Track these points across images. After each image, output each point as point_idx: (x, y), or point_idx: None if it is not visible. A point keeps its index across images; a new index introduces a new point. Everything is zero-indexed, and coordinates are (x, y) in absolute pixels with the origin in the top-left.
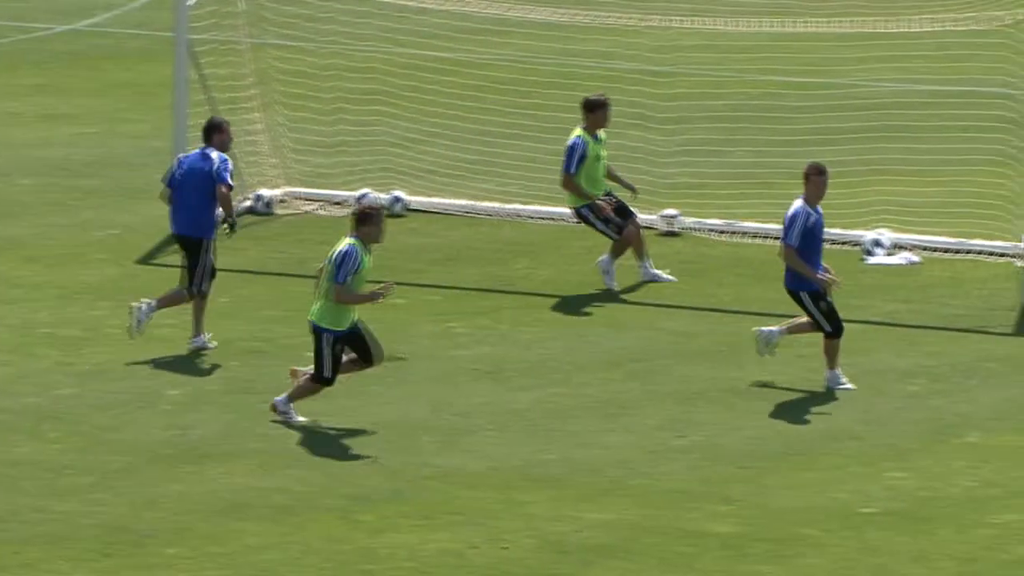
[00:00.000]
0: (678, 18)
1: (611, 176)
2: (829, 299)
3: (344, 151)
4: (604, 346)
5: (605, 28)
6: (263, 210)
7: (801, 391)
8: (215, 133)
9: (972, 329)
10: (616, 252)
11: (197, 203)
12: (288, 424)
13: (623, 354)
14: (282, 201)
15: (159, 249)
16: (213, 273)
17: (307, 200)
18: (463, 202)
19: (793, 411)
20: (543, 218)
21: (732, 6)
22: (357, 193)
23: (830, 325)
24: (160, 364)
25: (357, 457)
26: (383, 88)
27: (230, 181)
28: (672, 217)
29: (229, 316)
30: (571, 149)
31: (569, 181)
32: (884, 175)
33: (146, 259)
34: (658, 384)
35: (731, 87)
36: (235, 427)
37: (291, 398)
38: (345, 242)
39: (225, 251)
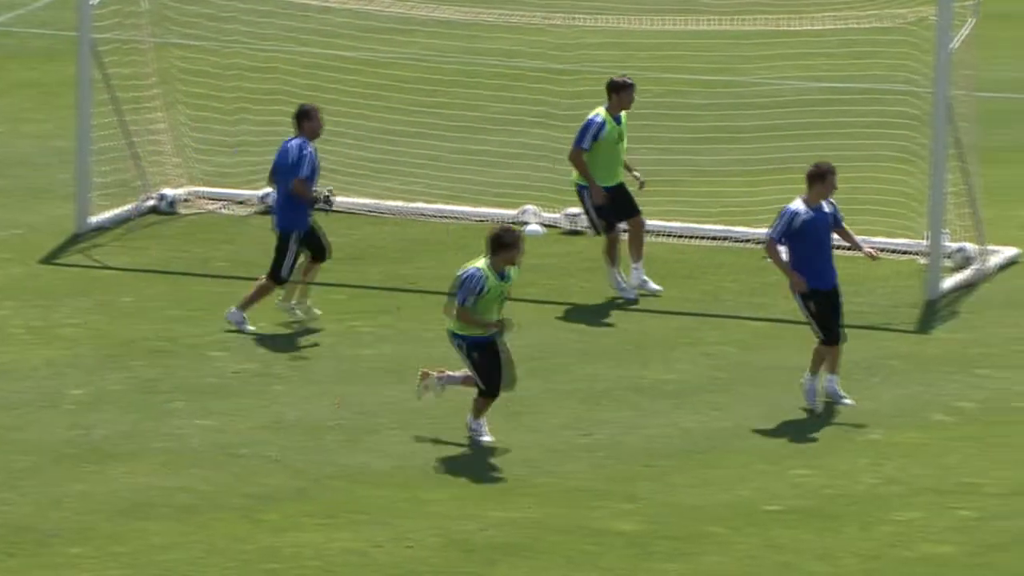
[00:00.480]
0: (582, 16)
1: (624, 165)
2: (837, 302)
3: (245, 150)
4: (507, 344)
5: (509, 26)
6: (166, 209)
7: (706, 389)
8: (304, 120)
9: (875, 326)
10: (611, 257)
11: (281, 195)
12: (476, 440)
13: (526, 352)
14: (186, 200)
15: (62, 249)
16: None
17: (210, 199)
18: (367, 201)
19: (698, 409)
20: (447, 217)
21: (636, 4)
22: (261, 192)
23: (821, 331)
24: (63, 364)
25: (261, 456)
26: (286, 88)
27: (303, 172)
28: (575, 216)
29: (133, 315)
30: (587, 125)
31: (577, 156)
32: (788, 173)
33: (49, 259)
34: (562, 383)
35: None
36: (139, 427)
37: (476, 415)
38: (474, 264)
39: (128, 251)
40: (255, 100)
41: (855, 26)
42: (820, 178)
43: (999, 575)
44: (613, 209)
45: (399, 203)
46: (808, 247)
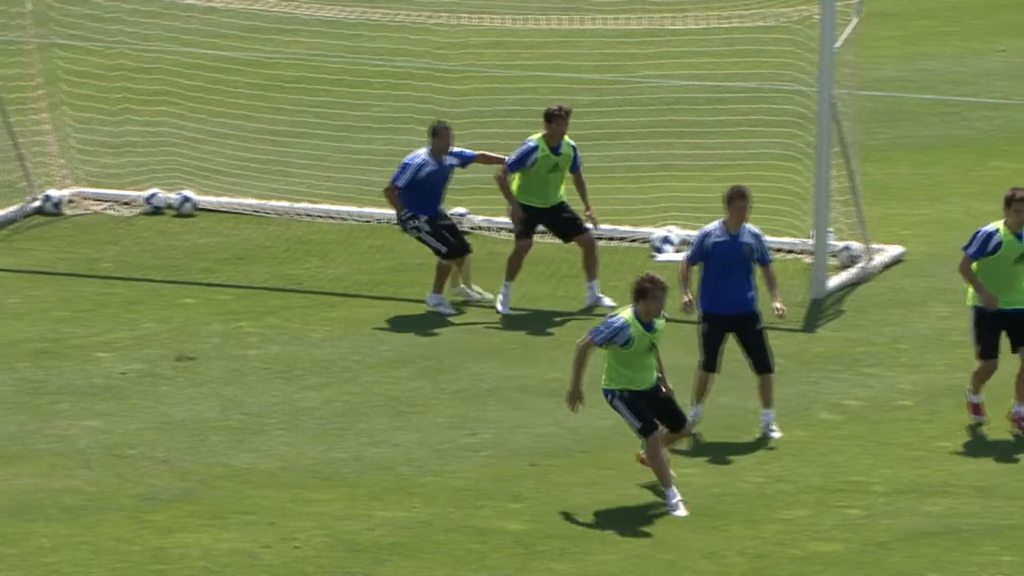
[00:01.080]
0: (467, 15)
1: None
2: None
3: (132, 151)
4: (393, 344)
5: (394, 25)
6: (52, 210)
7: (592, 389)
8: (433, 138)
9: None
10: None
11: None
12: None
13: (413, 352)
14: (71, 201)
15: None
16: (447, 241)
17: (96, 200)
18: (252, 201)
19: (583, 409)
20: (332, 217)
21: (521, 3)
22: (147, 193)
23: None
24: None
25: (148, 457)
26: (170, 88)
27: (397, 183)
28: (462, 216)
29: (18, 317)
30: (521, 148)
31: (503, 175)
32: (673, 172)
33: None
34: (448, 382)
35: (520, 84)
36: (25, 428)
37: (665, 485)
38: (622, 313)
39: (14, 252)
40: (140, 101)
41: (739, 25)
42: (727, 201)
43: (885, 573)
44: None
45: (284, 203)
46: (714, 268)
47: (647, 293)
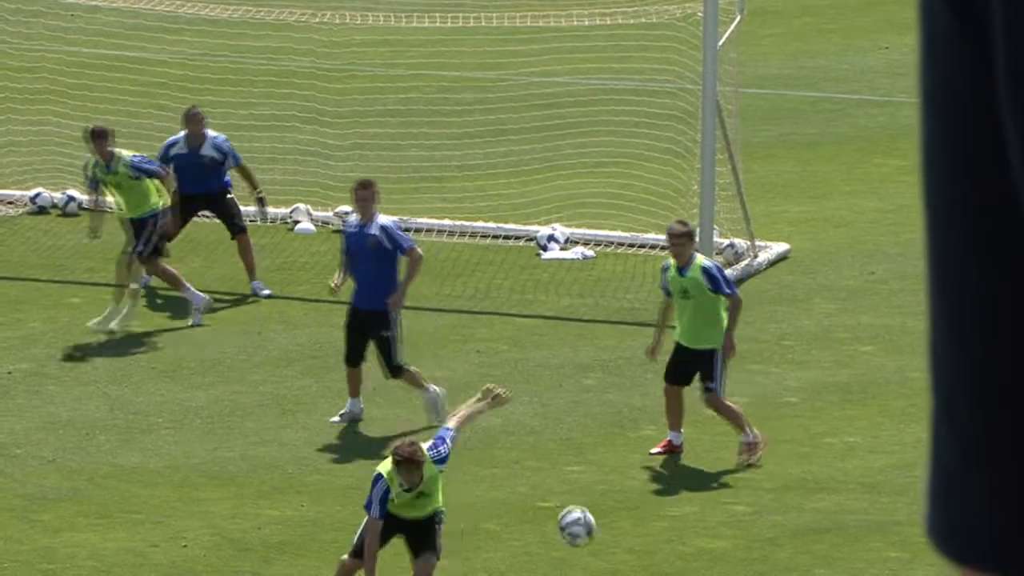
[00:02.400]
0: (350, 13)
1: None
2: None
3: (15, 151)
4: (279, 343)
5: (278, 24)
6: None
7: (477, 386)
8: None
9: (646, 323)
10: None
11: None
12: None
13: (298, 351)
14: None
15: None
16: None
17: None
18: None
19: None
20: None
21: (405, 1)
22: (31, 192)
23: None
24: None
25: (35, 456)
26: (54, 87)
27: None
28: (346, 214)
29: None
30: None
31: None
32: (558, 170)
33: None
34: (335, 381)
35: (404, 83)
36: None
37: None
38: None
39: None
40: (23, 100)
41: (623, 22)
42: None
43: (773, 569)
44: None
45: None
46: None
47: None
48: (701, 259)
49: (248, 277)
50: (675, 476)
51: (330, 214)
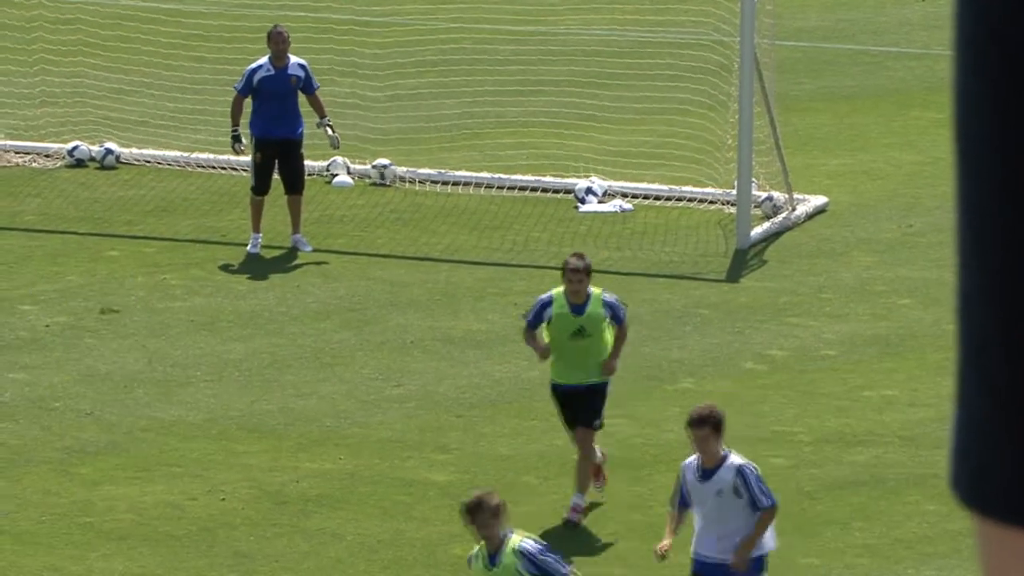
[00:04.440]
0: None
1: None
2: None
3: (52, 103)
4: (317, 296)
5: None
6: None
7: (516, 339)
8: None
9: (684, 276)
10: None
11: None
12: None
13: (337, 304)
14: None
15: None
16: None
17: (17, 153)
18: (175, 153)
19: (507, 359)
20: None
21: None
22: (69, 145)
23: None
24: None
25: (74, 410)
26: (89, 39)
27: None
28: (384, 167)
29: None
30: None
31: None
32: (596, 123)
33: None
34: (373, 333)
35: (443, 35)
36: None
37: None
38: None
39: None
40: (59, 52)
41: None
42: None
43: (811, 522)
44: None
45: (208, 155)
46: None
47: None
48: (599, 291)
49: (291, 230)
50: None
51: (368, 167)
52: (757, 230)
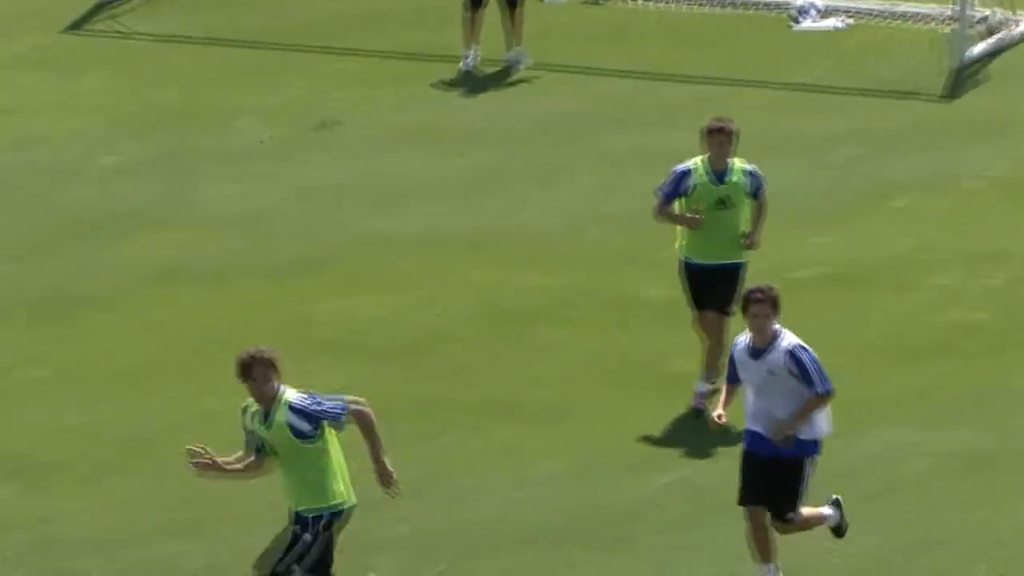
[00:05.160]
0: None
1: None
2: None
3: None
4: (533, 112)
5: None
6: None
7: None
8: None
9: (902, 93)
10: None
11: None
12: None
13: (552, 120)
14: None
15: (86, 18)
16: None
17: None
18: None
19: None
20: None
21: None
22: None
23: None
24: (91, 133)
25: (289, 223)
26: None
27: None
28: None
29: (159, 84)
30: None
31: None
32: None
33: (74, 27)
34: (588, 150)
35: None
36: (168, 194)
37: None
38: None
39: (152, 19)
40: None
41: None
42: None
43: None
44: None
45: None
46: None
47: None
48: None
49: (506, 47)
50: (930, 247)
51: None
52: (976, 49)
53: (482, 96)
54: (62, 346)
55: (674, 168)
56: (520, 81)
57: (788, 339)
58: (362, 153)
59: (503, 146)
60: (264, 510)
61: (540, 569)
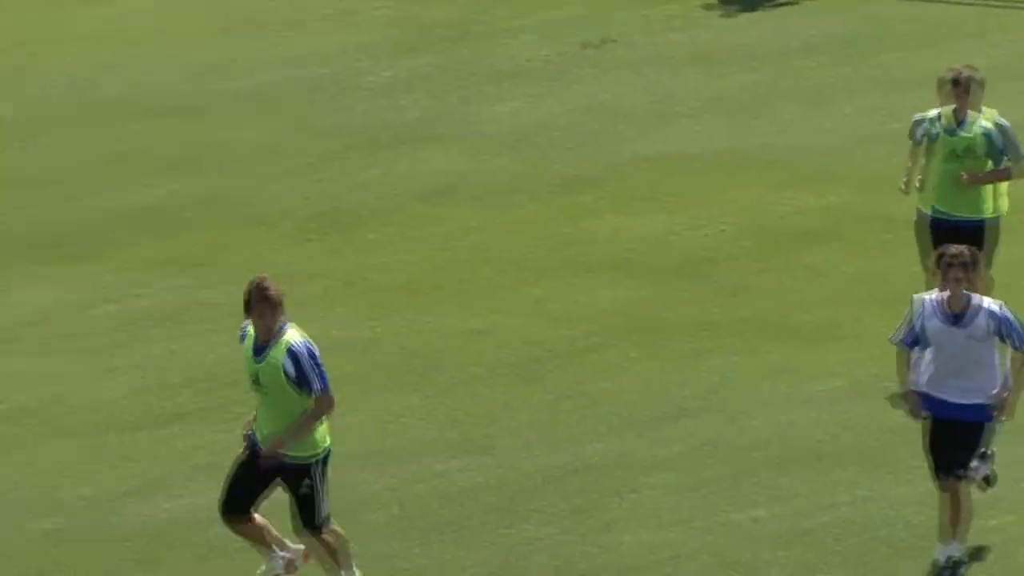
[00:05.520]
0: None
1: None
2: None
3: None
4: (806, 33)
5: None
6: None
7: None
8: None
9: None
10: None
11: None
12: None
13: (824, 41)
14: None
15: None
16: None
17: None
18: None
19: None
20: None
21: None
22: None
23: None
24: (366, 48)
25: (564, 142)
26: None
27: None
28: None
29: (428, 2)
30: None
31: None
32: None
33: None
34: (861, 70)
35: None
36: (440, 111)
37: None
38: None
39: None
40: None
41: None
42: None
43: None
44: None
45: None
46: None
47: None
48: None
49: None
50: None
51: None
52: None
53: (754, 16)
54: (338, 260)
55: (915, 116)
56: (792, 2)
57: (985, 301)
58: (634, 72)
59: (774, 65)
60: (533, 430)
61: (819, 490)
